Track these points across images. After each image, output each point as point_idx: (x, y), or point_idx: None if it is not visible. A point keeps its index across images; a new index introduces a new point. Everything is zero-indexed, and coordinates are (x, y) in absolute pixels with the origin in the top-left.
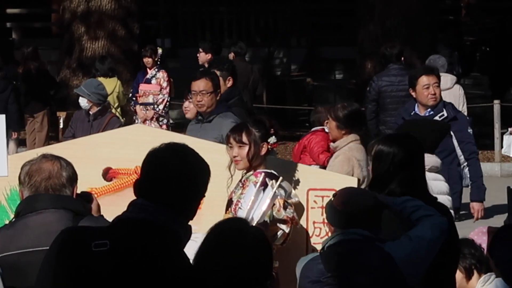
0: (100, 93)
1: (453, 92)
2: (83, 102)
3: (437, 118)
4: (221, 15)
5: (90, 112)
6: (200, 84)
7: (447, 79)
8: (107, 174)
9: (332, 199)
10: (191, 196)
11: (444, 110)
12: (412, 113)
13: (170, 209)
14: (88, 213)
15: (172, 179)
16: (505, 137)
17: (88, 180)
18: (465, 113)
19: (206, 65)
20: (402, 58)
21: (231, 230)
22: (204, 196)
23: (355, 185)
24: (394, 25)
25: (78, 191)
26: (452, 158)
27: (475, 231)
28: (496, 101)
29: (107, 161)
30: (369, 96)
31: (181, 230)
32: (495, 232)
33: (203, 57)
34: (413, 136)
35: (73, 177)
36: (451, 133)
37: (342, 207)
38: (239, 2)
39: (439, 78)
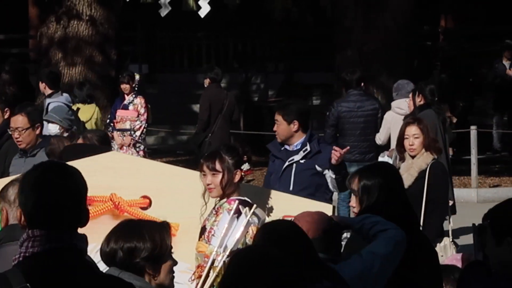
0: (70, 118)
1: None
2: (54, 128)
3: (301, 153)
4: (198, 40)
5: None
6: (16, 120)
7: None
8: None
9: None
10: (79, 207)
11: (308, 145)
12: None
13: (67, 228)
14: None
15: (57, 201)
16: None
17: None
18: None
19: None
20: (362, 84)
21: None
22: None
23: (330, 212)
24: (372, 50)
25: None
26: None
27: (449, 258)
28: (473, 127)
29: None
30: (328, 121)
31: (81, 243)
32: (463, 268)
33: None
34: (387, 164)
35: None
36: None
37: None
38: (217, 27)
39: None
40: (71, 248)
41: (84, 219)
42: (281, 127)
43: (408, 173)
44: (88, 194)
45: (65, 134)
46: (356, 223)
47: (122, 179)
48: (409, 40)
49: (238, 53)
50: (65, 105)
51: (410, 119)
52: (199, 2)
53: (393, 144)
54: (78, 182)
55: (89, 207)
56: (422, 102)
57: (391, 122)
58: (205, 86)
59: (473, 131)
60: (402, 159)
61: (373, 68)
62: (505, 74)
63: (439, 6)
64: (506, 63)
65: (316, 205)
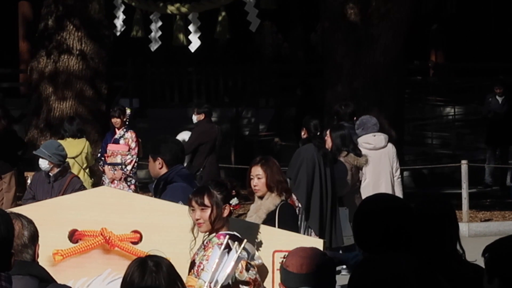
0: (61, 154)
1: (387, 151)
2: (44, 164)
3: None
4: (189, 75)
5: (50, 174)
6: None
7: (381, 138)
8: (73, 236)
9: (284, 260)
10: (10, 250)
11: None
12: None
13: (2, 270)
14: (53, 280)
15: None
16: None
17: (54, 242)
18: (398, 172)
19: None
20: (355, 118)
21: None
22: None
23: (321, 247)
24: (362, 86)
25: (44, 254)
26: None
27: None
28: (463, 161)
29: (72, 223)
30: None
31: (6, 283)
32: None
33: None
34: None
35: (34, 236)
36: None
37: (292, 268)
38: (208, 62)
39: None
40: None
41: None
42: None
43: (257, 215)
44: (79, 229)
45: (56, 170)
46: (351, 258)
47: (113, 214)
48: (399, 75)
49: (229, 88)
50: (56, 141)
51: (256, 158)
52: (190, 37)
53: (369, 178)
54: (5, 227)
55: (80, 242)
56: (305, 136)
57: None
58: (194, 121)
59: (464, 165)
60: (253, 200)
61: (363, 103)
62: (498, 108)
63: (429, 41)
64: (499, 98)
65: (306, 240)
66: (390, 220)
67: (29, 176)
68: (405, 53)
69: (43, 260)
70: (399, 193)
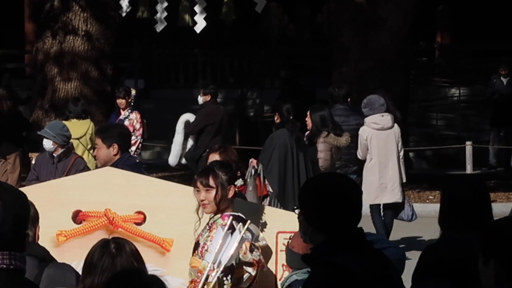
0: (65, 134)
1: (394, 131)
2: (48, 144)
3: None
4: (194, 56)
5: (54, 154)
6: None
7: (388, 118)
8: (77, 217)
9: (289, 241)
10: (24, 230)
11: None
12: None
13: (17, 250)
14: (53, 260)
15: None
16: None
17: (57, 223)
18: (402, 152)
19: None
20: (349, 99)
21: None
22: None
23: None
24: (368, 68)
25: (48, 235)
26: None
27: None
28: (468, 143)
29: (76, 204)
30: None
31: (20, 263)
32: None
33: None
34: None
35: (35, 218)
36: None
37: (297, 249)
38: (213, 43)
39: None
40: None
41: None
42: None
43: None
44: (82, 210)
45: (60, 150)
46: None
47: (117, 195)
48: (406, 57)
49: (234, 69)
50: (61, 121)
51: (215, 146)
52: (195, 18)
53: (376, 158)
54: (21, 206)
55: (84, 223)
56: (278, 121)
57: (369, 138)
58: (200, 102)
59: (469, 146)
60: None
61: (369, 85)
62: (502, 89)
63: (435, 23)
64: (504, 79)
65: None
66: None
67: (34, 157)
68: (412, 35)
69: (47, 241)
70: (402, 172)
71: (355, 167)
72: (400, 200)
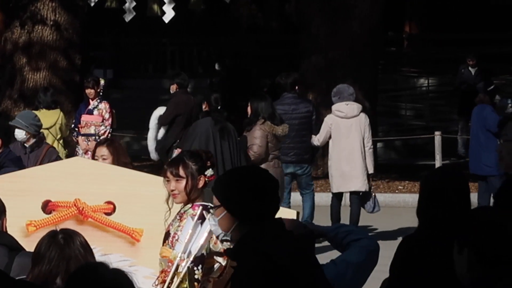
0: (37, 124)
1: (359, 120)
2: (20, 134)
3: None
4: (163, 46)
5: (26, 144)
6: None
7: (353, 107)
8: (47, 207)
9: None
10: None
11: None
12: None
13: None
14: (22, 249)
15: None
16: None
17: (27, 213)
18: (370, 142)
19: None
20: (296, 87)
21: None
22: None
23: (294, 217)
24: (338, 57)
25: (18, 225)
26: None
27: None
28: (437, 133)
29: (46, 194)
30: None
31: None
32: None
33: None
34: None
35: (1, 209)
36: None
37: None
38: (182, 33)
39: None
40: None
41: None
42: None
43: None
44: (52, 200)
45: (32, 140)
46: (330, 231)
47: (86, 185)
48: (375, 46)
49: (202, 59)
50: (32, 111)
51: (101, 139)
52: (164, 8)
53: (338, 146)
54: None
55: (53, 213)
56: (206, 109)
57: (332, 125)
58: (171, 92)
59: (438, 136)
60: None
61: (338, 74)
62: (470, 79)
63: (404, 12)
64: (471, 69)
65: (280, 211)
66: None
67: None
68: (380, 24)
69: (16, 231)
70: (370, 163)
71: (307, 155)
72: (363, 189)
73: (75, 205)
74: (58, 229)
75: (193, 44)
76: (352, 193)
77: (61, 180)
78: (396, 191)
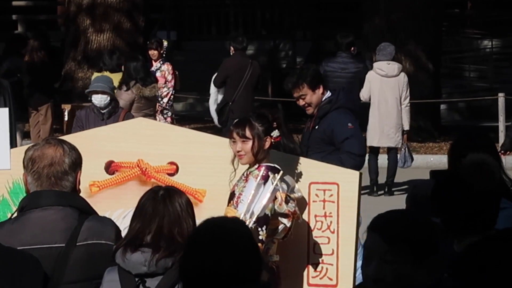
0: (113, 87)
1: (398, 80)
2: (105, 99)
3: None
4: (227, 8)
5: (103, 111)
6: None
7: (394, 67)
8: (110, 168)
9: None
10: None
11: None
12: None
13: None
14: (93, 212)
15: None
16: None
17: (90, 174)
18: (407, 100)
19: None
20: (352, 48)
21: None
22: None
23: (357, 179)
24: (399, 19)
25: (81, 186)
26: None
27: None
28: (500, 94)
29: (109, 155)
30: None
31: None
32: None
33: None
34: None
35: (76, 162)
36: None
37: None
38: None
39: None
40: None
41: None
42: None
43: None
44: (115, 160)
45: (111, 105)
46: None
47: (149, 146)
48: (437, 8)
49: (266, 21)
50: (105, 76)
51: None
52: None
53: (376, 102)
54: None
55: (116, 173)
56: None
57: (372, 82)
58: (231, 54)
59: (501, 98)
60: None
61: (400, 36)
62: None
63: None
64: None
65: (343, 172)
66: None
67: (66, 109)
68: None
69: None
70: (406, 120)
71: None
72: (394, 145)
73: (138, 165)
74: (159, 187)
75: (256, 5)
76: (388, 149)
77: (124, 140)
78: None
